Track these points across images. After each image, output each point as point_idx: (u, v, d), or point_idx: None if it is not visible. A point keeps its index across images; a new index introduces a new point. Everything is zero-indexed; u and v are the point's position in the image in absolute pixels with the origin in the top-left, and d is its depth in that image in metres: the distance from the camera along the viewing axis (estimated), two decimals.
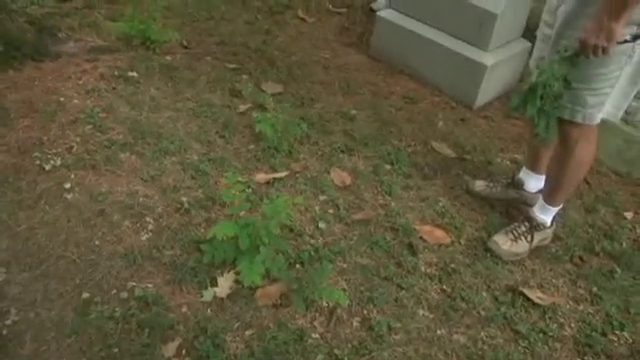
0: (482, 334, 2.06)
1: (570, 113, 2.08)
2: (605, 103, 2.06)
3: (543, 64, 2.08)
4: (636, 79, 2.06)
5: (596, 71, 1.98)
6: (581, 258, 2.44)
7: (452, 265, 2.30)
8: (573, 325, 2.16)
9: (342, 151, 2.81)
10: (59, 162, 2.45)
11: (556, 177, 2.31)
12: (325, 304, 2.06)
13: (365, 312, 2.07)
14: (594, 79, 2.00)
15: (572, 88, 1.97)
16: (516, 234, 2.37)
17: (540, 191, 2.47)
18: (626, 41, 1.88)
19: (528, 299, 2.20)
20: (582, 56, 1.91)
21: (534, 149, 2.53)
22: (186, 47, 3.43)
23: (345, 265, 2.23)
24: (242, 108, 2.98)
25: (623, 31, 1.83)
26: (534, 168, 2.55)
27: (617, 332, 2.15)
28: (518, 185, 2.57)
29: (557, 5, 2.09)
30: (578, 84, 1.99)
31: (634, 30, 1.88)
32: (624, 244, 2.54)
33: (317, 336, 1.96)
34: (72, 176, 2.40)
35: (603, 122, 2.22)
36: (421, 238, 2.39)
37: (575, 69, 1.95)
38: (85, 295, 1.97)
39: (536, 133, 2.04)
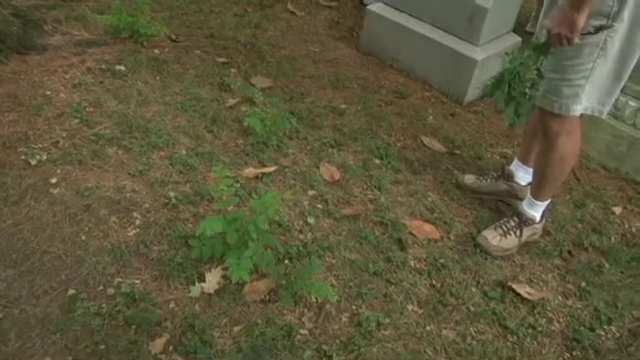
0: (471, 329, 2.06)
1: (548, 103, 2.12)
2: (580, 95, 2.07)
3: (516, 52, 2.12)
4: (620, 74, 2.07)
5: (569, 62, 2.02)
6: (570, 253, 2.45)
7: (441, 260, 2.29)
8: (562, 320, 2.16)
9: (331, 146, 2.80)
10: (45, 157, 2.42)
11: (541, 171, 2.32)
12: (314, 300, 2.05)
13: (354, 308, 2.07)
14: (567, 70, 2.04)
15: (544, 77, 2.00)
16: (505, 229, 2.36)
17: (530, 184, 2.48)
18: (589, 33, 1.90)
19: (517, 294, 2.20)
20: (552, 46, 1.94)
21: (527, 141, 2.53)
22: (175, 40, 3.40)
23: (334, 260, 2.22)
24: (231, 102, 2.95)
25: (588, 22, 1.86)
26: (525, 160, 2.56)
27: (605, 327, 2.15)
28: (508, 177, 2.57)
29: None
30: (553, 74, 2.05)
31: (601, 22, 1.90)
32: (612, 239, 2.54)
33: (305, 332, 1.95)
34: (58, 171, 2.37)
35: (590, 118, 2.22)
36: (410, 233, 2.39)
37: (550, 58, 1.99)
38: (71, 291, 1.95)
39: (507, 120, 2.09)
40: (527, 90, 2.03)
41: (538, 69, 1.99)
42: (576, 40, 1.87)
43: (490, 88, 2.10)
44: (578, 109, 2.10)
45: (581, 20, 1.82)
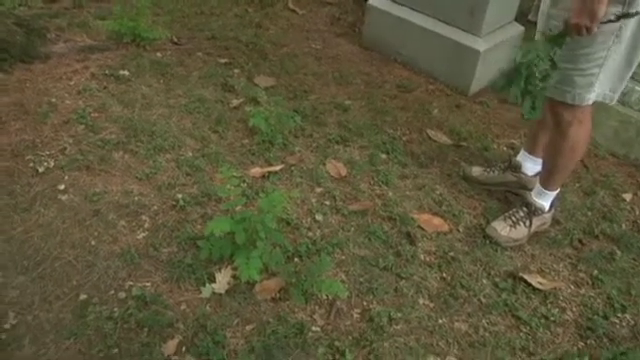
0: (483, 321, 2.05)
1: (560, 94, 2.09)
2: (594, 84, 2.05)
3: (528, 44, 2.08)
4: (631, 60, 2.05)
5: (582, 51, 1.99)
6: (581, 241, 2.43)
7: (451, 253, 2.28)
8: (575, 309, 2.15)
9: (337, 142, 2.79)
10: (52, 164, 2.43)
11: (551, 161, 2.30)
12: (324, 297, 2.05)
13: (365, 303, 2.06)
14: (581, 59, 2.01)
15: (559, 69, 1.97)
16: (514, 220, 2.35)
17: (538, 174, 2.46)
18: (610, 21, 1.87)
19: (529, 285, 2.19)
20: (567, 36, 1.91)
21: (533, 131, 2.51)
22: (177, 43, 3.41)
23: (343, 257, 2.22)
24: (235, 103, 2.95)
25: (607, 10, 1.82)
26: (532, 151, 2.54)
27: (619, 315, 2.14)
28: (515, 168, 2.55)
29: None
30: (566, 64, 2.01)
31: (619, 10, 1.87)
32: (623, 226, 2.53)
33: (317, 329, 1.95)
34: (66, 177, 2.38)
35: (598, 104, 2.20)
36: (419, 227, 2.38)
37: (562, 49, 1.95)
38: (83, 296, 1.96)
39: (522, 114, 2.06)
40: (539, 82, 2.00)
41: (552, 60, 1.95)
42: (595, 29, 1.84)
43: (504, 83, 2.04)
44: (591, 98, 2.08)
45: (601, 9, 1.79)
